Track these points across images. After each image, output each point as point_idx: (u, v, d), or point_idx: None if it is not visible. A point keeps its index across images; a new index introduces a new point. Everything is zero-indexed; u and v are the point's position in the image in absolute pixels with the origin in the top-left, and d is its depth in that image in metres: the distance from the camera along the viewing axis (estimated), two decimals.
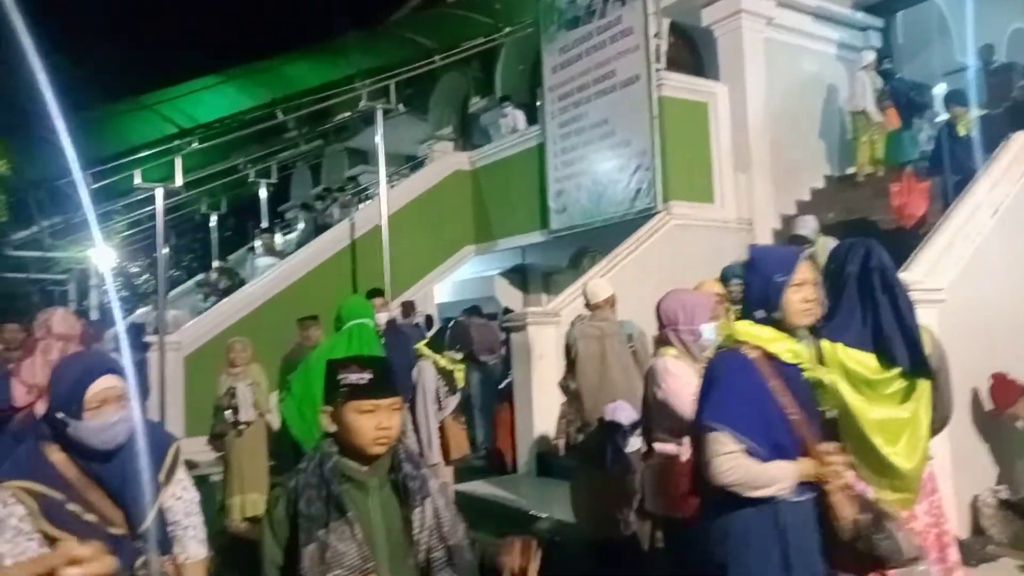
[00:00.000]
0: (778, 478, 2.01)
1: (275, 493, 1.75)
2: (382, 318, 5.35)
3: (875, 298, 2.45)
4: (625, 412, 4.18)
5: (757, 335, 2.13)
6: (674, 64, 9.76)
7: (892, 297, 2.45)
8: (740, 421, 2.04)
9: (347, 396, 1.71)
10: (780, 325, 2.15)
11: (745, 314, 2.23)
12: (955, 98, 7.39)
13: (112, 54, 22.13)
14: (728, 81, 9.62)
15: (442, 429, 4.54)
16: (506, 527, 1.97)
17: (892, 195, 7.35)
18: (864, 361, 2.41)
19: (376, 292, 5.81)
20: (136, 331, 9.39)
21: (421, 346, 4.78)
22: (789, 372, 2.12)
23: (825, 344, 2.48)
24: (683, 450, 2.99)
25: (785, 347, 2.13)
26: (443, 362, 4.62)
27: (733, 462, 2.00)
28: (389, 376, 1.78)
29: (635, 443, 4.30)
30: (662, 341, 3.15)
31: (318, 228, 12.92)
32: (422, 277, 11.45)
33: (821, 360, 2.52)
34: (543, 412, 7.17)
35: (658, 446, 3.17)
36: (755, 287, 2.21)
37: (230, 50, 14.23)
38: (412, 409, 4.51)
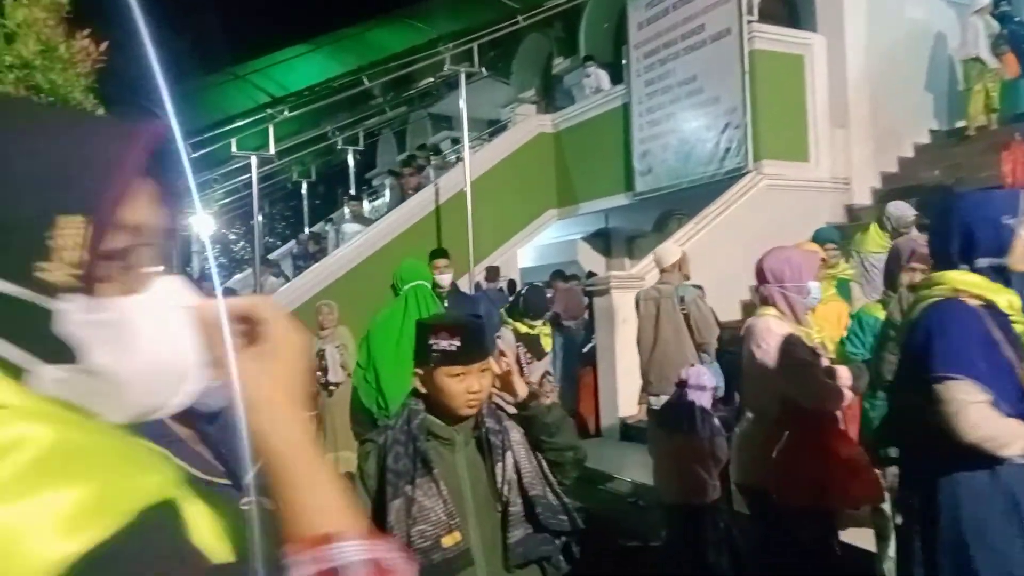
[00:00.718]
0: (1020, 435, 1.85)
1: (365, 448, 1.80)
2: (445, 280, 4.93)
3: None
4: (706, 376, 4.13)
5: (977, 283, 1.99)
6: (767, 16, 9.31)
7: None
8: (981, 372, 1.88)
9: (438, 362, 1.74)
10: (1001, 273, 2.01)
11: (962, 261, 2.04)
12: None
13: (207, 26, 22.95)
14: (826, 31, 9.12)
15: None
16: (588, 491, 1.96)
17: (1003, 158, 6.81)
18: None
19: (439, 253, 5.31)
20: (231, 296, 9.83)
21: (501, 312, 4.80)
22: (1005, 324, 1.98)
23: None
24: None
25: (1006, 298, 1.99)
26: (523, 328, 4.63)
27: (984, 412, 1.83)
28: (478, 340, 1.80)
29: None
30: (764, 300, 2.95)
31: (404, 194, 13.10)
32: (505, 241, 11.49)
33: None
34: (626, 376, 7.12)
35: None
36: (982, 231, 2.01)
37: (318, 18, 14.49)
38: None
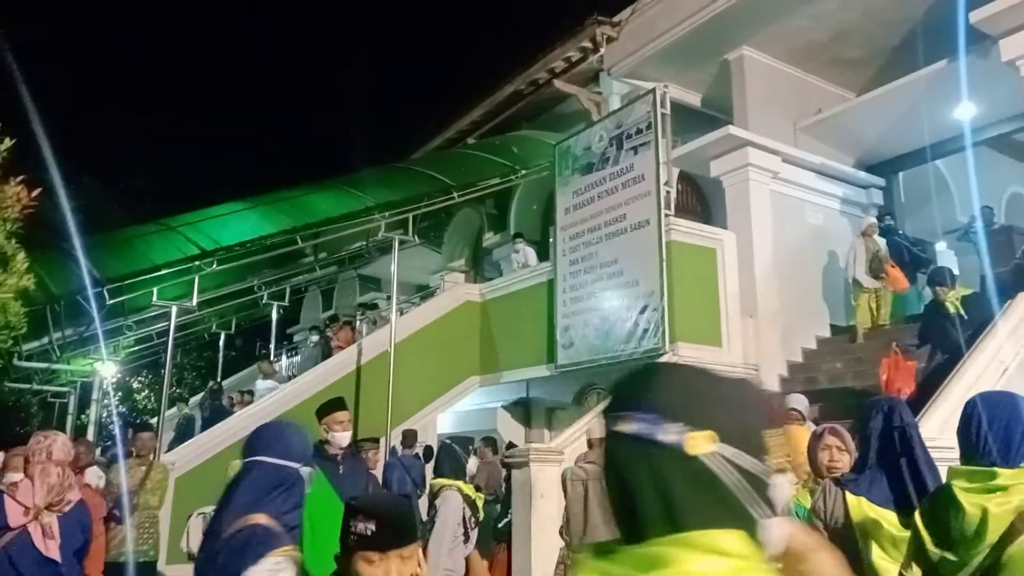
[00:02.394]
0: None
1: None
2: (343, 439, 3.98)
3: (896, 456, 2.45)
4: None
5: None
6: (683, 210, 10.12)
7: (912, 457, 2.44)
8: None
9: (354, 546, 1.68)
10: None
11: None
12: (938, 278, 7.33)
13: (143, 179, 23.26)
14: (735, 229, 9.91)
15: (467, 564, 4.31)
16: None
17: (881, 368, 7.28)
18: (888, 518, 2.37)
19: (336, 404, 4.15)
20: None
21: (442, 479, 4.59)
22: None
23: (850, 498, 2.53)
24: None
25: None
26: (469, 491, 4.48)
27: None
28: (399, 523, 1.72)
29: None
30: None
31: (325, 353, 12.97)
32: (425, 405, 11.34)
33: (847, 513, 2.57)
34: (542, 554, 6.88)
35: None
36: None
37: (257, 180, 14.93)
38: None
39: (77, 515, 3.43)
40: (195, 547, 6.07)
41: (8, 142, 3.35)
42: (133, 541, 5.46)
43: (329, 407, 4.07)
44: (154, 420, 13.23)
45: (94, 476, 5.57)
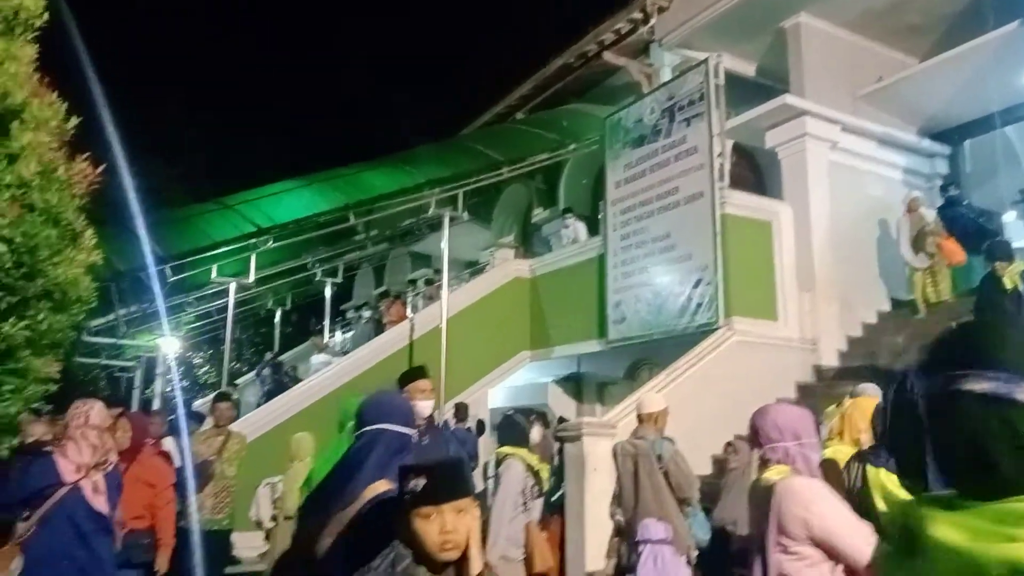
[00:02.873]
0: None
1: None
2: (425, 408, 3.86)
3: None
4: (654, 528, 4.09)
5: None
6: (737, 182, 9.90)
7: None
8: None
9: (409, 504, 1.70)
10: None
11: None
12: (997, 252, 7.08)
13: (202, 158, 23.82)
14: (792, 202, 9.68)
15: (527, 533, 4.35)
16: None
17: None
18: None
19: (419, 372, 4.02)
20: (197, 420, 9.57)
21: (506, 447, 4.62)
22: None
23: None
24: None
25: None
26: (532, 459, 4.52)
27: None
28: (451, 477, 1.74)
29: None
30: (767, 460, 2.64)
31: (377, 329, 13.18)
32: (477, 380, 11.45)
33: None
34: (594, 527, 6.90)
35: None
36: None
37: (312, 157, 15.16)
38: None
39: (116, 475, 3.79)
40: (265, 516, 6.28)
41: (74, 120, 3.45)
42: (210, 509, 5.63)
43: (412, 375, 4.01)
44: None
45: (170, 444, 5.74)
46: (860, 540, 2.26)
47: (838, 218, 9.72)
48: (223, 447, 5.91)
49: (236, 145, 24.01)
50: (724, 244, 8.85)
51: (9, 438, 3.50)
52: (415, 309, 12.27)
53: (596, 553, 6.84)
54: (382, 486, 2.09)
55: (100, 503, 3.55)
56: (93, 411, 3.65)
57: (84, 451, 3.52)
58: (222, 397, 6.57)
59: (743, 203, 9.31)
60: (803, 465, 2.57)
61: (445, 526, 1.67)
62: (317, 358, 12.83)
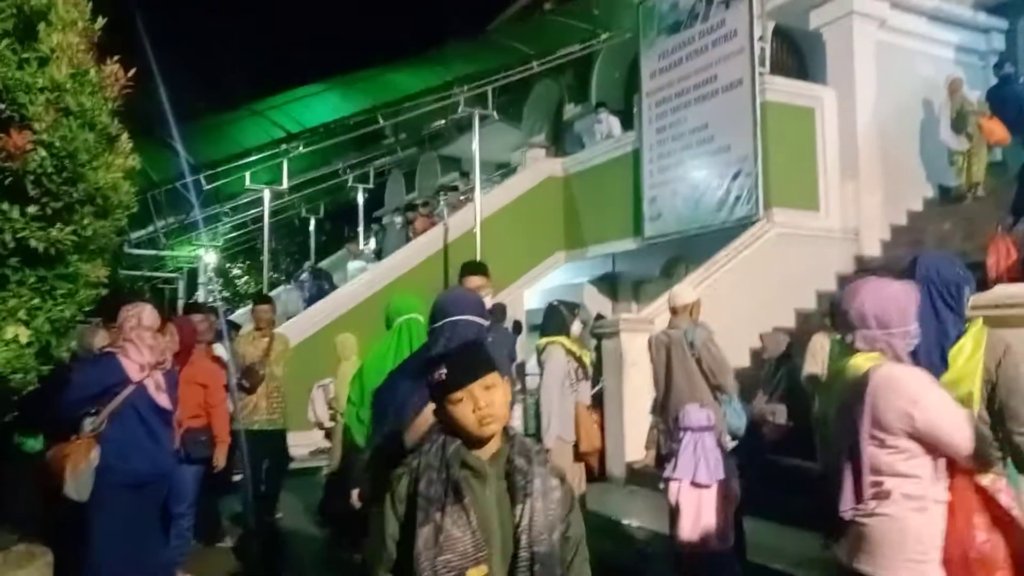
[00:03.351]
0: None
1: (398, 472, 1.76)
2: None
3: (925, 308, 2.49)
4: (695, 415, 4.12)
5: None
6: (777, 69, 9.48)
7: (935, 309, 2.56)
8: None
9: (439, 394, 1.74)
10: None
11: None
12: None
13: (228, 64, 23.43)
14: (836, 86, 9.26)
15: (576, 416, 4.46)
16: (593, 537, 1.89)
17: (989, 249, 6.70)
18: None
19: (474, 267, 3.96)
20: (235, 328, 9.81)
21: (547, 337, 4.67)
22: None
23: None
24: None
25: None
26: (572, 346, 4.58)
27: None
28: (469, 358, 1.78)
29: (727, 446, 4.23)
30: (854, 347, 2.38)
31: (409, 236, 13.18)
32: (513, 282, 11.51)
33: None
34: (634, 420, 7.05)
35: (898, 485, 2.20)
36: None
37: (337, 58, 14.80)
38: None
39: (173, 374, 4.00)
40: (324, 417, 6.50)
41: (101, 21, 3.36)
42: (264, 410, 5.82)
43: (465, 270, 3.99)
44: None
45: (221, 350, 5.88)
46: (965, 433, 2.14)
47: (885, 102, 9.30)
48: (268, 348, 6.03)
49: (260, 49, 23.52)
50: (764, 133, 8.56)
51: (65, 341, 3.59)
52: (441, 217, 12.19)
53: (635, 445, 7.02)
54: None
55: (163, 399, 3.75)
56: (144, 313, 3.79)
57: (144, 352, 3.68)
58: (262, 299, 6.64)
59: (784, 89, 8.94)
60: (891, 355, 2.32)
61: (478, 403, 1.70)
62: (353, 264, 12.94)
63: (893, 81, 9.43)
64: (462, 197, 13.31)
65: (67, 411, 3.63)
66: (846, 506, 2.20)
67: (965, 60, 10.09)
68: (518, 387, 7.76)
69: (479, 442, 1.72)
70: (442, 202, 13.92)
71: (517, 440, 1.78)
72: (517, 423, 7.08)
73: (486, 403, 1.70)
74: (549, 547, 1.70)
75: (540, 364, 4.60)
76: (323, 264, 16.13)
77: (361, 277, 11.09)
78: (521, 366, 8.88)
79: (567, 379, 4.45)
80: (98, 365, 3.75)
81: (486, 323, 2.51)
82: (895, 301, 2.35)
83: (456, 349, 1.88)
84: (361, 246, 15.57)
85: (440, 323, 2.47)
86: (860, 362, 2.28)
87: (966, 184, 8.92)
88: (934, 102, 9.71)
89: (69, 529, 3.59)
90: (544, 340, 4.66)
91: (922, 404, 2.13)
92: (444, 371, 1.73)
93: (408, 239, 12.51)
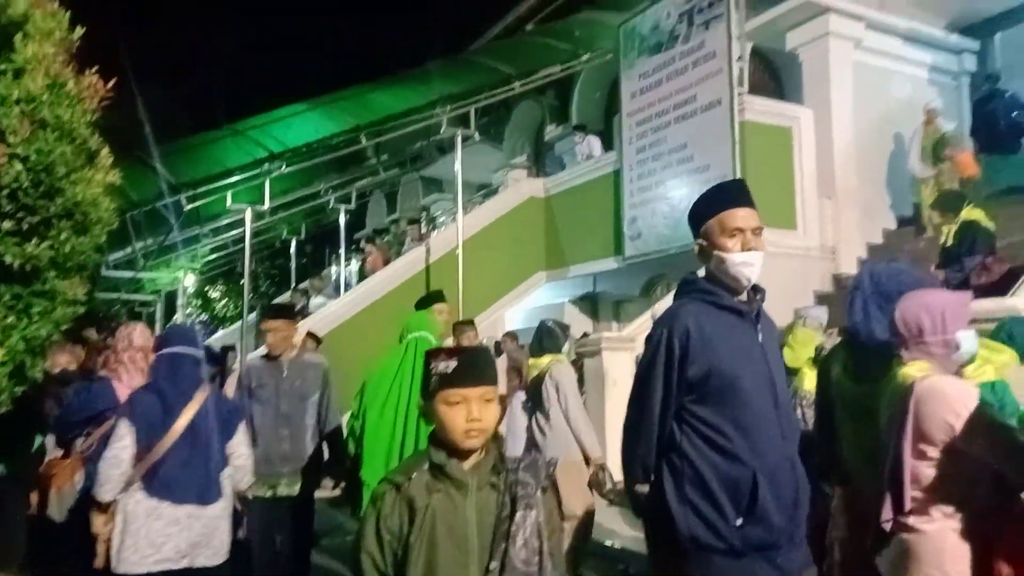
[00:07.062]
0: None
1: (380, 489, 1.72)
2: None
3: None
4: None
5: None
6: (755, 89, 9.61)
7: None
8: None
9: (436, 387, 1.67)
10: None
11: None
12: None
13: (210, 84, 23.41)
14: (813, 106, 9.41)
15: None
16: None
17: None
18: None
19: (434, 297, 4.41)
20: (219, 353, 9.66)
21: (547, 355, 4.66)
22: None
23: None
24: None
25: None
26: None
27: None
28: (478, 363, 1.71)
29: None
30: (905, 356, 2.36)
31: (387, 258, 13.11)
32: (494, 302, 11.49)
33: None
34: (615, 439, 7.01)
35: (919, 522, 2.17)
36: None
37: (320, 78, 14.84)
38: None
39: None
40: None
41: (79, 31, 3.33)
42: None
43: (426, 301, 4.35)
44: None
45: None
46: (1012, 447, 2.08)
47: (861, 121, 9.46)
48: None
49: (242, 68, 23.52)
50: (743, 152, 8.66)
51: (40, 360, 3.53)
52: (428, 236, 12.13)
53: (617, 464, 6.97)
54: None
55: None
56: (135, 333, 3.79)
57: (136, 376, 3.67)
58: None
59: (762, 109, 9.06)
60: (930, 362, 2.28)
61: (472, 413, 1.65)
62: (315, 300, 12.81)
63: (869, 101, 9.61)
64: (439, 221, 13.29)
65: (60, 433, 3.74)
66: (886, 516, 2.18)
67: (939, 80, 10.31)
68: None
69: (461, 453, 1.69)
70: (421, 224, 13.90)
71: (526, 457, 1.75)
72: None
73: (479, 415, 1.66)
74: (527, 557, 1.66)
75: (545, 382, 4.52)
76: (303, 287, 15.99)
77: (345, 297, 10.99)
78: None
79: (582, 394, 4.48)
80: (92, 390, 3.79)
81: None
82: (928, 309, 2.30)
83: (468, 348, 1.83)
84: (334, 274, 15.36)
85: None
86: (909, 371, 2.25)
87: (928, 213, 8.94)
88: (910, 122, 9.89)
89: (46, 550, 3.55)
90: (547, 358, 4.63)
91: (964, 416, 2.08)
92: (453, 364, 1.67)
93: (363, 275, 12.34)
